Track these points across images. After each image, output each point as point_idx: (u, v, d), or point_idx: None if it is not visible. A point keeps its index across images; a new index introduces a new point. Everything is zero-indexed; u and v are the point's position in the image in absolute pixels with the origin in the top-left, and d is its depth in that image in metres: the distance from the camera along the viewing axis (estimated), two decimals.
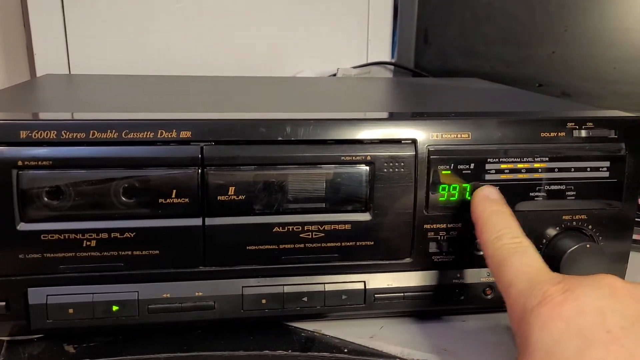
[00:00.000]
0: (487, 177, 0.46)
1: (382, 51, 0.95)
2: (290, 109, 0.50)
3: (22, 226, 0.41)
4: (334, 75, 0.89)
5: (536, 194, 0.47)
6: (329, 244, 0.46)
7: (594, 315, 0.33)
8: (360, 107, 0.61)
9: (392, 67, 0.94)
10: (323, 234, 0.45)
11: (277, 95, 0.66)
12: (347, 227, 0.45)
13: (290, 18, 0.90)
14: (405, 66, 0.91)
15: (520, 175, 0.47)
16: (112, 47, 0.83)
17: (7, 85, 0.94)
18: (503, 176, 0.47)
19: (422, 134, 0.46)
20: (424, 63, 0.92)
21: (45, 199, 0.41)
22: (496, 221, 0.42)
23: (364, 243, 0.46)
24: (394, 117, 0.46)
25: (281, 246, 0.45)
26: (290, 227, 0.45)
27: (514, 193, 0.47)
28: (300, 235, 0.45)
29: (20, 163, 0.40)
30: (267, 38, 0.90)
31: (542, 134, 0.47)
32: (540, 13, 0.85)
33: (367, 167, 0.45)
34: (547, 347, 0.32)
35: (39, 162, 0.41)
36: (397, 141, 0.45)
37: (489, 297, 0.49)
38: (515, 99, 0.65)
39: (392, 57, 0.96)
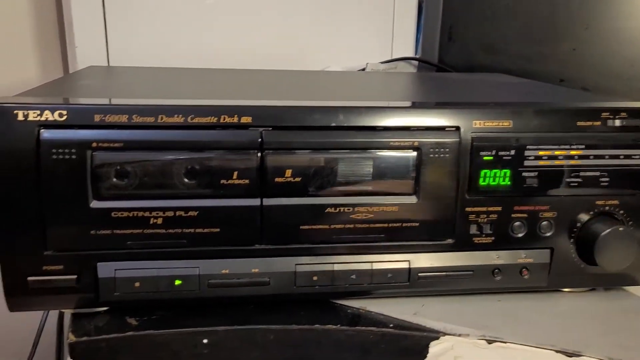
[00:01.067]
0: (526, 163, 0.49)
1: (406, 47, 0.97)
2: (339, 98, 0.52)
3: (95, 204, 0.44)
4: (363, 69, 0.92)
5: (572, 179, 0.50)
6: (377, 225, 0.48)
7: None
8: (400, 97, 0.64)
9: (416, 62, 0.97)
10: (372, 215, 0.48)
11: (319, 86, 0.69)
12: (395, 209, 0.48)
13: (316, 14, 0.93)
14: (431, 62, 0.94)
15: (557, 162, 0.50)
16: (147, 40, 0.86)
17: (42, 78, 0.97)
18: (541, 162, 0.49)
19: (466, 122, 0.48)
20: (448, 59, 0.95)
21: (116, 178, 0.44)
22: None
23: (409, 224, 0.49)
24: (439, 105, 0.49)
25: (332, 226, 0.48)
26: (342, 208, 0.48)
27: (551, 179, 0.50)
28: (351, 215, 0.48)
29: (94, 144, 0.43)
30: (295, 33, 0.93)
31: (579, 123, 0.50)
32: (562, 11, 0.88)
33: (414, 153, 0.48)
34: None
35: (111, 144, 0.43)
36: (441, 128, 0.48)
37: (526, 277, 0.52)
38: (544, 91, 0.68)
39: (416, 53, 0.99)
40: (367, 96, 0.63)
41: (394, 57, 0.96)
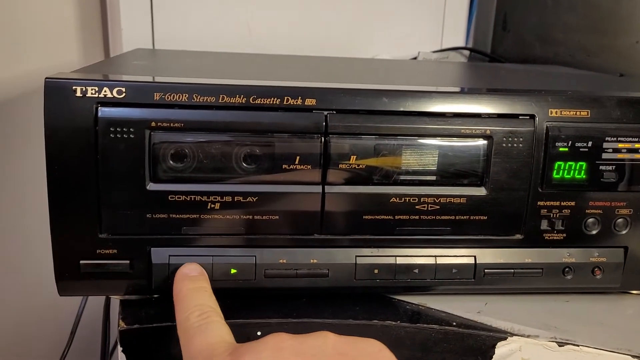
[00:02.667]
0: (605, 155, 0.46)
1: (457, 37, 0.94)
2: (404, 83, 0.50)
3: (152, 186, 0.42)
4: (414, 58, 0.89)
5: None
6: (442, 217, 0.46)
7: None
8: (464, 85, 0.61)
9: (467, 53, 0.93)
10: (438, 207, 0.45)
11: (377, 72, 0.66)
12: (462, 200, 0.46)
13: (367, 2, 0.90)
14: (484, 52, 0.90)
15: (637, 156, 0.46)
16: (194, 24, 0.84)
17: (84, 61, 0.96)
18: (620, 155, 0.46)
19: (541, 110, 0.45)
20: (501, 50, 0.91)
21: (174, 160, 0.42)
22: (189, 300, 0.41)
23: (477, 217, 0.46)
24: (513, 92, 0.46)
25: (396, 217, 0.45)
26: (407, 198, 0.45)
27: (630, 173, 0.46)
28: (416, 206, 0.45)
29: (153, 124, 0.41)
30: (344, 21, 0.90)
31: None
32: (625, 2, 0.84)
33: (486, 141, 0.45)
34: None
35: (171, 124, 0.42)
36: (515, 116, 0.45)
37: (598, 277, 0.49)
38: (612, 83, 0.65)
39: (466, 43, 0.96)
40: (429, 83, 0.60)
41: (444, 47, 0.93)
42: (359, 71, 0.66)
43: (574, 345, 0.44)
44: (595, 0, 0.86)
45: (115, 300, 0.48)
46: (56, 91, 0.40)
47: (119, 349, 0.44)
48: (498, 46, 0.92)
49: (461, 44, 0.94)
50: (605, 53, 0.86)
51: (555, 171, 0.46)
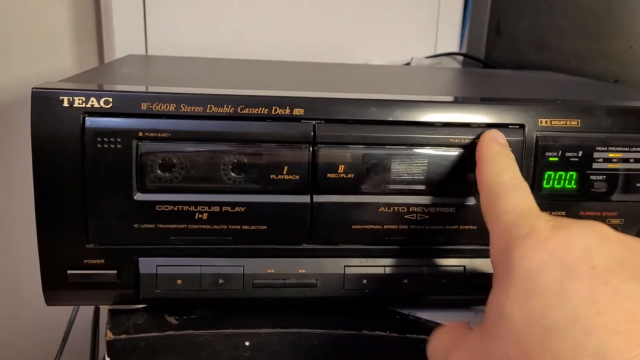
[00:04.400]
0: (595, 165, 0.46)
1: (450, 42, 0.94)
2: (393, 92, 0.50)
3: (139, 196, 0.42)
4: (407, 64, 0.89)
5: None
6: (432, 227, 0.46)
7: (580, 251, 0.31)
8: (454, 93, 0.61)
9: (460, 58, 0.93)
10: (427, 216, 0.45)
11: (368, 80, 0.66)
12: (452, 210, 0.45)
13: (359, 6, 0.90)
14: (478, 57, 0.90)
15: (628, 165, 0.46)
16: (186, 30, 0.84)
17: (78, 67, 0.96)
18: (611, 165, 0.46)
19: (531, 120, 0.45)
20: (494, 55, 0.91)
21: (162, 170, 0.42)
22: (499, 160, 0.41)
23: (467, 227, 0.46)
24: (503, 101, 0.46)
25: (385, 226, 0.45)
26: (396, 208, 0.45)
27: (622, 183, 0.46)
28: (405, 216, 0.45)
29: (140, 134, 0.41)
30: (337, 25, 0.90)
31: None
32: (618, 7, 0.84)
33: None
34: (527, 275, 0.31)
35: (158, 134, 0.41)
36: (505, 126, 0.45)
37: None
38: (606, 91, 0.65)
39: (460, 48, 0.95)
40: (419, 91, 0.60)
41: (438, 52, 0.93)
42: (349, 78, 0.65)
43: None
44: (588, 5, 0.86)
45: (105, 310, 0.48)
46: (43, 101, 0.40)
47: (106, 359, 0.44)
48: (492, 52, 0.92)
49: (455, 49, 0.94)
50: (599, 58, 0.86)
51: (545, 181, 0.46)
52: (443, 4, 0.92)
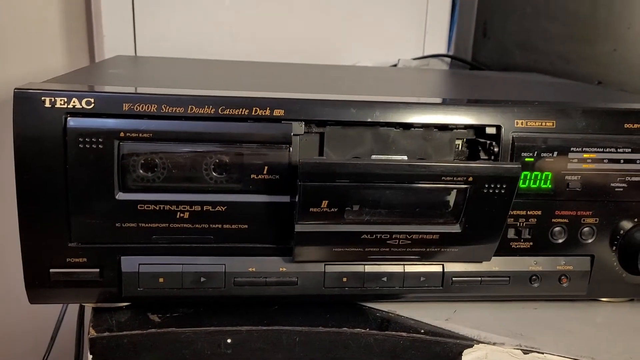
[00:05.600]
0: (570, 165, 0.47)
1: (439, 44, 0.95)
2: (374, 93, 0.50)
3: (121, 195, 0.43)
4: (394, 65, 0.90)
5: (617, 184, 0.48)
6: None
7: None
8: (435, 94, 0.61)
9: (448, 59, 0.94)
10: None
11: (351, 81, 0.67)
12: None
13: (347, 8, 0.91)
14: (464, 59, 0.91)
15: (602, 166, 0.47)
16: (175, 32, 0.85)
17: (69, 66, 0.97)
18: (585, 165, 0.47)
19: (507, 121, 0.46)
20: (482, 57, 0.92)
21: (144, 170, 0.43)
22: None
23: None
24: (479, 103, 0.46)
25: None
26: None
27: (595, 183, 0.47)
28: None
29: (122, 134, 0.42)
30: (325, 27, 0.91)
31: (626, 125, 0.47)
32: (603, 10, 0.85)
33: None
34: None
35: (140, 134, 0.42)
36: (482, 127, 0.46)
37: (565, 285, 0.49)
38: (586, 92, 0.65)
39: (448, 50, 0.96)
40: (402, 92, 0.61)
41: (426, 53, 0.94)
42: (334, 79, 0.66)
43: (538, 352, 0.45)
44: (573, 8, 0.87)
45: (90, 308, 0.49)
46: (25, 102, 0.40)
47: (89, 357, 0.45)
48: (479, 53, 0.93)
49: (443, 50, 0.95)
50: (583, 61, 0.87)
51: (521, 181, 0.47)
52: (431, 6, 0.93)
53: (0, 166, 0.93)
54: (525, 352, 0.45)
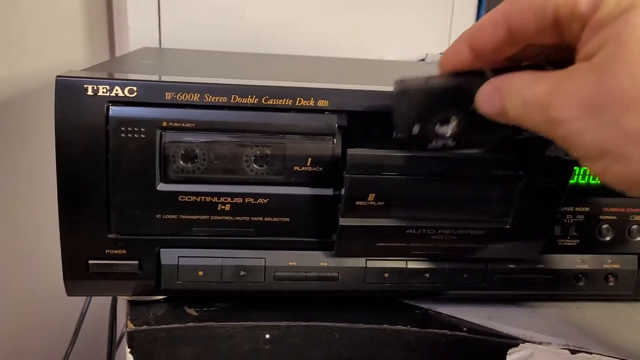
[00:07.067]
0: None
1: None
2: None
3: (162, 186, 0.42)
4: (422, 60, 0.88)
5: None
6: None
7: None
8: None
9: None
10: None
11: (386, 74, 0.66)
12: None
13: (376, 2, 0.90)
14: None
15: None
16: (201, 23, 0.84)
17: (90, 60, 0.96)
18: None
19: None
20: None
21: (185, 160, 0.42)
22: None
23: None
24: None
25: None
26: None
27: None
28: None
29: (164, 124, 0.41)
30: (352, 21, 0.90)
31: None
32: None
33: None
34: None
35: (182, 124, 0.41)
36: None
37: (611, 284, 0.48)
38: None
39: None
40: None
41: None
42: (367, 72, 0.65)
43: (586, 352, 0.44)
44: None
45: (122, 301, 0.48)
46: (67, 90, 0.40)
47: (127, 350, 0.44)
48: None
49: None
50: None
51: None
52: (457, 0, 0.92)
53: (36, 155, 0.93)
54: (573, 352, 0.44)
